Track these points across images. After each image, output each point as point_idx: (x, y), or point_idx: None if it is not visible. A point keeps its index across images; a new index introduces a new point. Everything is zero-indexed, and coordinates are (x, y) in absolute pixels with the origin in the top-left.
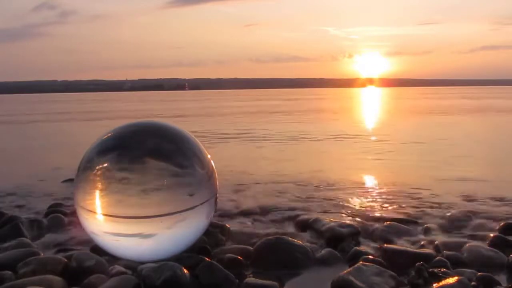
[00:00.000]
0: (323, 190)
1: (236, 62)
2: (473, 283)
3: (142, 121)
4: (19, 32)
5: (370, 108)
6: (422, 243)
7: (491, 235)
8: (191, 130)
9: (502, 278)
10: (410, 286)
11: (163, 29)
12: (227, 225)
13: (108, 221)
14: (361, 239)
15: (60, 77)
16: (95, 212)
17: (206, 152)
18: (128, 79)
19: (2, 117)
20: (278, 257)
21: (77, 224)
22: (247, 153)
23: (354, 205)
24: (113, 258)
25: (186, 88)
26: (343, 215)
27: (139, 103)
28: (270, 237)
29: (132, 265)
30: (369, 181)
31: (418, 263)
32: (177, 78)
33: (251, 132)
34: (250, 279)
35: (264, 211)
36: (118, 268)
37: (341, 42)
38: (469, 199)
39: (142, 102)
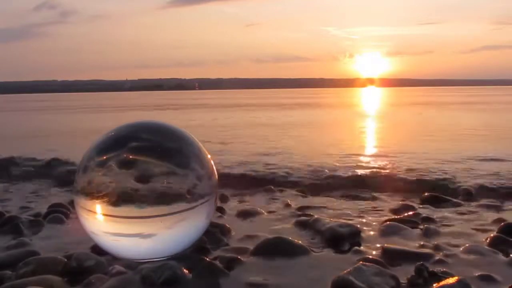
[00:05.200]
0: None
1: (236, 62)
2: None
3: (141, 120)
4: (19, 32)
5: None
6: (422, 243)
7: (491, 235)
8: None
9: (502, 278)
10: (410, 286)
11: (163, 29)
12: (227, 225)
13: (108, 221)
14: (361, 239)
15: (60, 77)
16: (95, 212)
17: (206, 152)
18: (128, 79)
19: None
20: (278, 257)
21: (77, 224)
22: None
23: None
24: (113, 258)
25: (197, 88)
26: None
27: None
28: (270, 237)
29: (132, 265)
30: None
31: (418, 263)
32: (177, 78)
33: None
34: (250, 279)
35: None
36: (118, 268)
37: (342, 42)
38: (469, 197)
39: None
